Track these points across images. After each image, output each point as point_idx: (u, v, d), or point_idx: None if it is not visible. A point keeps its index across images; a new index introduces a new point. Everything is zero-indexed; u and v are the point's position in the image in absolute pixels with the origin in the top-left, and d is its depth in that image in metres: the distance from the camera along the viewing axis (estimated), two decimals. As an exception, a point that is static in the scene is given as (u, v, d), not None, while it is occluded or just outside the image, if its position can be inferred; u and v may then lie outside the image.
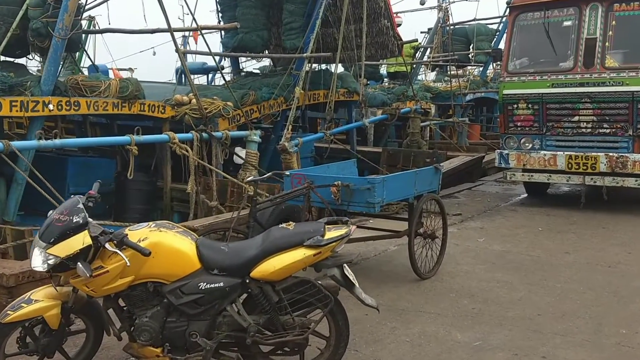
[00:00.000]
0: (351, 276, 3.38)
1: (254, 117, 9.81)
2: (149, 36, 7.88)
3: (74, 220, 3.05)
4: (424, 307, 4.78)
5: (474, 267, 5.89)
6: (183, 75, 14.46)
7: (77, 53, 21.71)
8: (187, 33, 21.63)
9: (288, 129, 9.07)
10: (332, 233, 3.30)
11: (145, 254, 3.01)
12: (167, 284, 3.20)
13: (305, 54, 9.93)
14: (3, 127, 9.00)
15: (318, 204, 5.10)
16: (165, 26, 8.12)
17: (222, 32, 11.87)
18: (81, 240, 3.02)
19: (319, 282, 3.33)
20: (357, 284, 3.40)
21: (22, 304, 3.19)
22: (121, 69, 22.66)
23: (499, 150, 9.08)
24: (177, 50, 8.01)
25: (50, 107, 7.72)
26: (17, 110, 7.39)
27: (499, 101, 9.29)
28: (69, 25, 7.63)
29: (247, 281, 3.24)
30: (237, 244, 3.42)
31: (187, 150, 7.78)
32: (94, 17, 21.45)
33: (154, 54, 24.20)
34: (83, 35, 21.94)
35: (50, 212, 3.21)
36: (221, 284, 3.21)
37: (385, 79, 20.32)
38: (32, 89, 7.65)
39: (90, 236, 3.04)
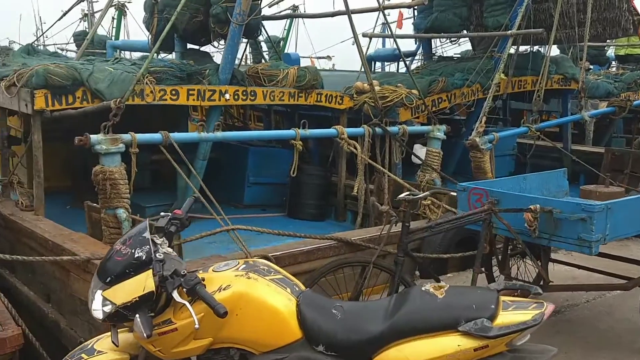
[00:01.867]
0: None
1: (442, 107, 8.47)
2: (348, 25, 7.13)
3: (136, 255, 2.21)
4: (665, 408, 3.13)
5: None
6: (373, 62, 13.61)
7: (282, 42, 22.50)
8: (382, 18, 20.72)
9: (481, 122, 7.57)
10: (509, 315, 1.99)
11: (219, 313, 2.05)
12: (256, 355, 2.22)
13: (510, 31, 8.25)
14: (187, 114, 9.09)
15: (504, 233, 3.68)
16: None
17: (415, 13, 10.68)
18: (142, 283, 2.17)
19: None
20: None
21: (82, 355, 2.49)
22: (320, 57, 22.82)
23: None
24: (354, 33, 7.06)
25: (227, 96, 7.44)
26: (193, 99, 7.22)
27: None
28: (246, 10, 7.18)
29: (368, 371, 2.10)
30: (355, 308, 2.29)
31: (355, 147, 6.81)
32: (297, 6, 21.91)
33: (353, 43, 23.88)
34: (287, 23, 22.72)
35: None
36: (328, 369, 2.13)
37: (613, 63, 17.07)
38: (209, 77, 7.43)
39: (158, 277, 2.17)
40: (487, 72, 8.69)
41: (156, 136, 5.79)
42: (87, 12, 21.86)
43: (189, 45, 8.86)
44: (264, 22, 10.46)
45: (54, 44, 24.14)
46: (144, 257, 2.20)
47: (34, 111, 6.05)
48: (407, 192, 3.57)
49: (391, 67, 15.93)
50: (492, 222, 3.56)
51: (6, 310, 4.31)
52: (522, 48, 10.02)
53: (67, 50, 20.72)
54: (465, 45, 12.63)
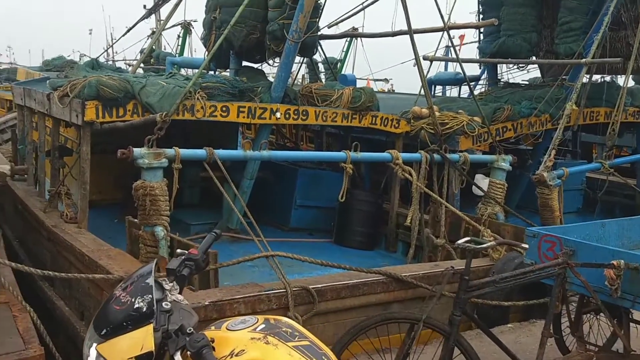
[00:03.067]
0: None
1: (506, 136, 7.94)
2: (409, 47, 6.81)
3: (136, 306, 1.86)
4: None
5: None
6: (433, 86, 13.16)
7: (339, 64, 22.37)
8: (447, 41, 20.24)
9: (550, 155, 6.99)
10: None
11: None
12: None
13: (584, 59, 7.67)
14: (237, 131, 8.93)
15: (579, 289, 3.17)
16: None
17: (481, 36, 10.21)
18: (140, 341, 1.81)
19: None
20: None
21: None
22: (377, 80, 22.54)
23: None
24: (415, 54, 6.67)
25: (278, 115, 7.24)
26: (244, 117, 7.04)
27: None
28: (303, 28, 6.96)
29: None
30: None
31: (410, 174, 6.38)
32: (357, 28, 21.76)
33: (414, 65, 23.49)
34: (346, 44, 22.56)
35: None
36: None
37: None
38: (261, 95, 7.24)
39: (161, 331, 1.82)
40: (557, 102, 8.13)
41: (200, 152, 5.58)
42: (154, 29, 22.48)
43: (244, 63, 8.70)
44: (322, 43, 10.28)
45: (123, 60, 25.01)
46: (144, 309, 1.85)
47: (84, 122, 5.98)
48: (468, 239, 3.10)
49: (452, 92, 15.42)
50: (567, 277, 3.05)
51: (33, 327, 4.12)
52: (594, 77, 9.41)
53: (131, 66, 21.31)
54: (533, 72, 12.02)
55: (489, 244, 3.18)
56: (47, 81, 7.21)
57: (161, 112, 5.99)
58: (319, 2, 7.35)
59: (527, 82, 11.26)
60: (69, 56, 24.37)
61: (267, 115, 7.13)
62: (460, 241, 3.04)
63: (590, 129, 10.05)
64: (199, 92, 6.47)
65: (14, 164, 8.18)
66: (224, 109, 6.78)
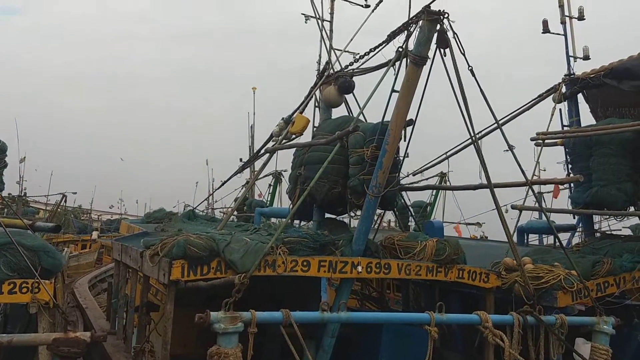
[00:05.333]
0: None
1: (609, 292, 7.24)
2: (501, 192, 6.73)
3: None
4: None
5: None
6: (526, 234, 12.60)
7: (428, 207, 22.12)
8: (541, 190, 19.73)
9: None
10: None
11: None
12: None
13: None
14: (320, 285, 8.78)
15: None
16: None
17: (571, 186, 9.86)
18: None
19: None
20: None
21: None
22: (469, 224, 22.09)
23: None
24: (497, 208, 6.45)
25: (359, 268, 7.18)
26: (325, 271, 7.03)
27: None
28: (382, 183, 7.06)
29: None
30: None
31: (502, 339, 5.84)
32: (445, 173, 21.84)
33: (506, 211, 22.93)
34: (434, 193, 22.43)
35: None
36: None
37: None
38: (342, 248, 7.23)
39: None
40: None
41: (276, 315, 5.49)
42: (248, 179, 23.92)
43: (327, 215, 8.85)
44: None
45: (222, 207, 26.60)
46: None
47: (170, 281, 6.13)
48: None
49: (548, 240, 14.64)
50: None
51: None
52: None
53: (224, 214, 22.47)
54: (633, 219, 11.25)
55: None
56: (142, 239, 7.62)
57: (243, 269, 6.06)
58: (397, 158, 7.48)
59: (628, 228, 10.53)
60: (174, 207, 26.22)
61: (348, 269, 7.05)
62: None
63: None
64: (280, 247, 6.56)
65: (99, 327, 8.30)
66: (304, 263, 6.79)
